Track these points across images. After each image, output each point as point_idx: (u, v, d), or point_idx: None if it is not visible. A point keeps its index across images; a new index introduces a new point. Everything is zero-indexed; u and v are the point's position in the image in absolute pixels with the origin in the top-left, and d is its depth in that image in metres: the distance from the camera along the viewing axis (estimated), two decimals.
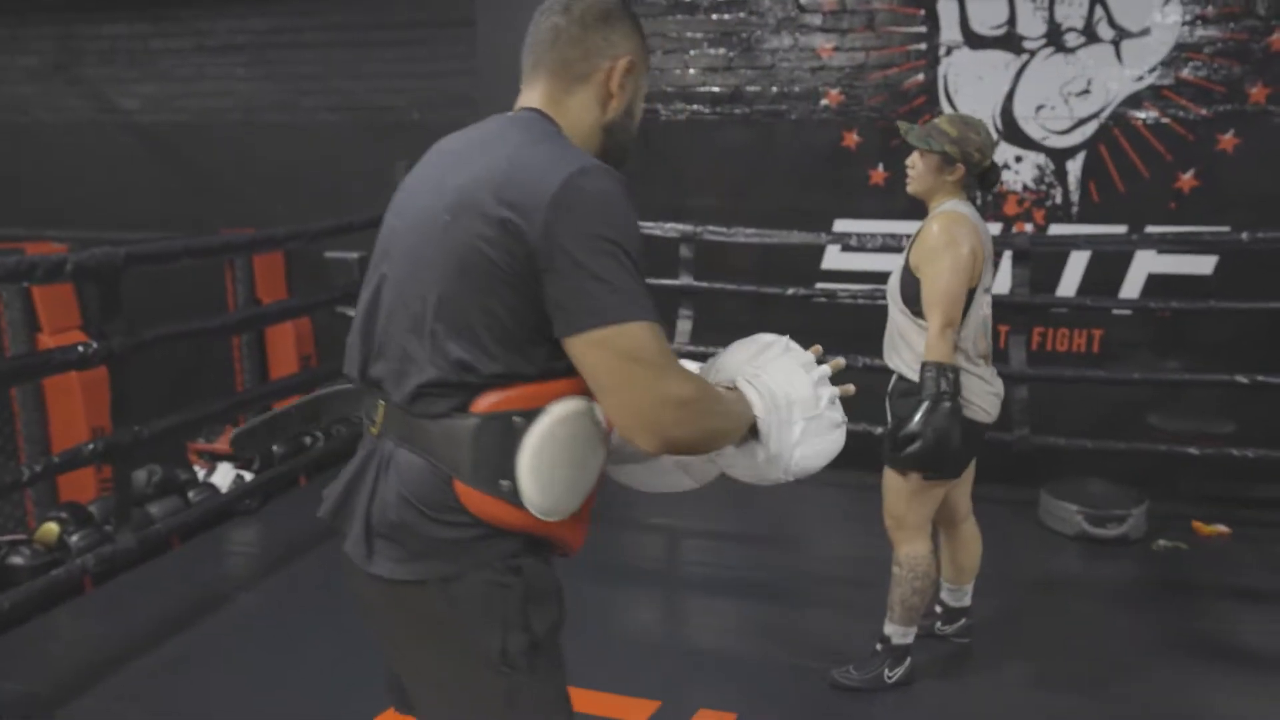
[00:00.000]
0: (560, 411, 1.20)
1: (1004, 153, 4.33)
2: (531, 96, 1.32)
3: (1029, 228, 4.35)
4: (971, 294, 2.42)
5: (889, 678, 2.66)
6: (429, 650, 1.27)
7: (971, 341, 2.50)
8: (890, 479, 2.62)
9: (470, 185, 1.18)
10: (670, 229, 4.28)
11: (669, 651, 2.98)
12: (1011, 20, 4.23)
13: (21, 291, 4.42)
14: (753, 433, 1.31)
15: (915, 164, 2.58)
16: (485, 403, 1.19)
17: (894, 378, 2.62)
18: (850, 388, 1.44)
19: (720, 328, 4.52)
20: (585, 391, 1.21)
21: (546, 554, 1.29)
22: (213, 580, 3.42)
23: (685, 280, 4.29)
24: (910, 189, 2.61)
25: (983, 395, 2.53)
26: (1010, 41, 4.24)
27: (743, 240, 4.21)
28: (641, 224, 4.40)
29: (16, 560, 3.11)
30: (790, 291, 4.24)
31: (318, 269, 5.23)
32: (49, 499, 4.09)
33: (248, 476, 4.07)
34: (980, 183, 2.60)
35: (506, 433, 1.19)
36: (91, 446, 3.03)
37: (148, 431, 3.14)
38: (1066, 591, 3.41)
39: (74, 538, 3.24)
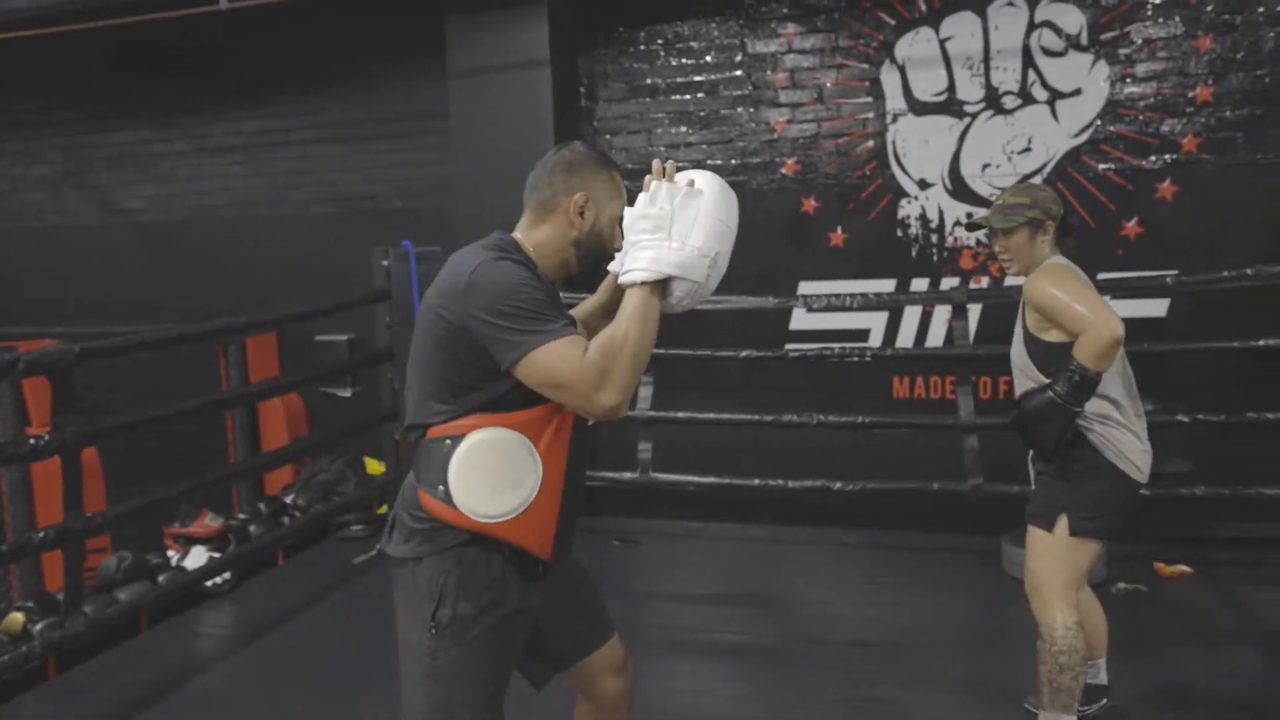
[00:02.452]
0: (473, 439, 1.59)
1: (955, 210, 4.39)
2: (520, 223, 1.75)
3: (985, 281, 4.38)
4: None
5: None
6: (400, 613, 1.68)
7: (1125, 395, 2.35)
8: (1034, 537, 2.41)
9: (432, 290, 1.64)
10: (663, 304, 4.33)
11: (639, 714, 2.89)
12: (951, 87, 4.34)
13: (14, 386, 4.44)
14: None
15: (1007, 247, 2.42)
16: (432, 432, 1.63)
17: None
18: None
19: (690, 391, 4.56)
20: (519, 423, 1.59)
21: (502, 551, 1.63)
22: (176, 663, 3.36)
23: None
24: (1014, 271, 2.44)
25: (1137, 453, 2.33)
26: (951, 106, 4.35)
27: (701, 306, 4.23)
28: None
29: None
30: (744, 354, 4.28)
31: (309, 350, 5.31)
32: (34, 586, 4.04)
33: None
34: (1063, 233, 2.47)
35: (439, 452, 1.61)
36: (42, 535, 2.96)
37: (100, 518, 3.11)
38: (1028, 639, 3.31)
39: (38, 626, 3.19)
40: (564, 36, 4.69)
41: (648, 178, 1.62)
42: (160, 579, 3.79)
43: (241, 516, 4.55)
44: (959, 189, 4.38)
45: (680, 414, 4.35)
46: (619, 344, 1.51)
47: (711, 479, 4.32)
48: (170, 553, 4.25)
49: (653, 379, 4.35)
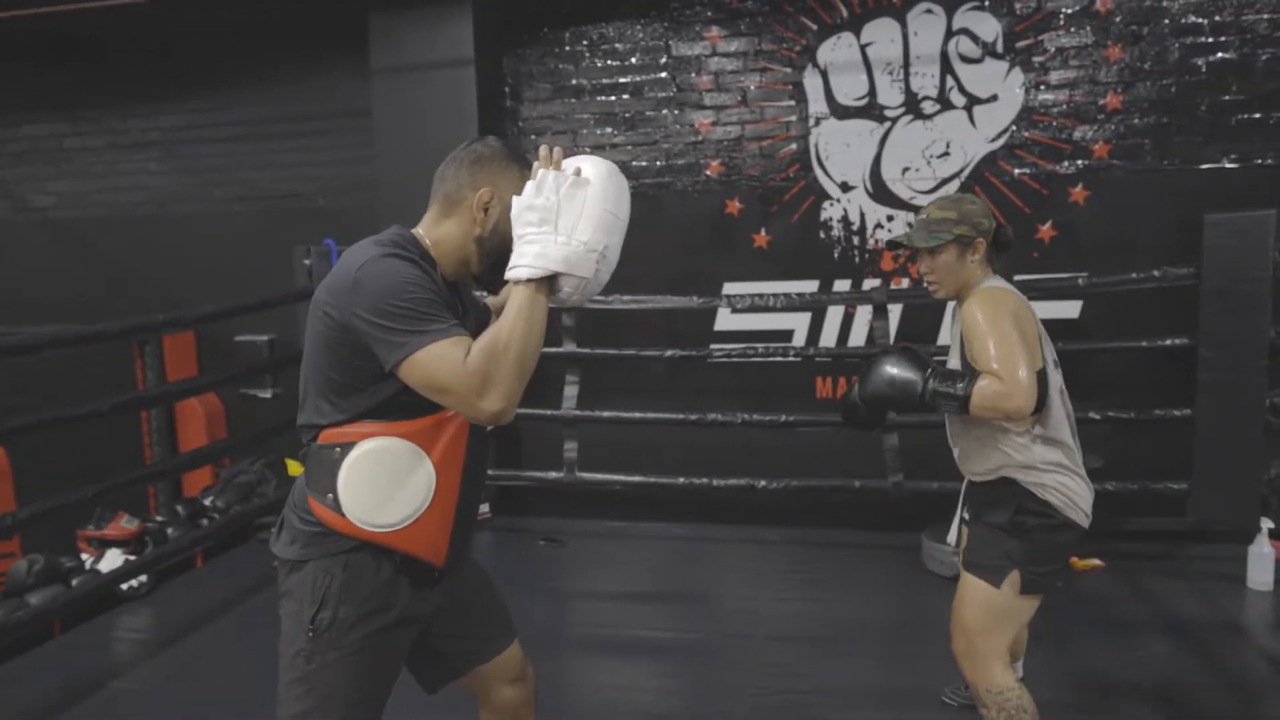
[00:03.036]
0: (363, 448, 1.54)
1: (876, 213, 4.42)
2: (425, 217, 1.66)
3: (905, 282, 4.41)
4: (1041, 373, 2.01)
5: None
6: (283, 616, 1.63)
7: (1070, 436, 2.12)
8: (974, 590, 2.12)
9: (322, 287, 1.56)
10: (551, 300, 4.27)
11: (551, 711, 2.84)
12: (872, 91, 4.37)
13: None
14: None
15: (933, 268, 2.17)
16: (322, 437, 1.57)
17: (965, 484, 2.27)
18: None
19: (615, 391, 4.52)
20: (410, 432, 1.53)
21: (393, 558, 1.58)
22: (91, 668, 3.22)
23: (569, 348, 4.27)
24: (941, 295, 2.18)
25: (1086, 498, 2.12)
26: (872, 111, 4.38)
27: (620, 306, 4.21)
28: None
29: None
30: (669, 353, 4.24)
31: (228, 351, 5.14)
32: None
33: None
34: (996, 249, 2.21)
35: (329, 460, 1.55)
36: None
37: (10, 519, 3.00)
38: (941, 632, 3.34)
39: None
40: (489, 35, 4.61)
41: (535, 164, 1.54)
42: (74, 582, 3.64)
43: (159, 519, 4.40)
44: (880, 192, 4.40)
45: (606, 413, 4.30)
46: (502, 346, 1.42)
47: (637, 478, 4.28)
48: (84, 556, 4.09)
49: (578, 378, 4.30)
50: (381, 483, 1.53)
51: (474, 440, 1.61)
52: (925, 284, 2.23)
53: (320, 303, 1.53)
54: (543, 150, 1.54)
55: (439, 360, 1.42)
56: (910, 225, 2.32)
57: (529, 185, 1.51)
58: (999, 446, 2.10)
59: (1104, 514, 4.13)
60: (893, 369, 2.11)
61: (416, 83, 4.57)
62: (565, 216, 1.47)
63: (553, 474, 4.33)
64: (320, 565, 1.56)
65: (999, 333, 1.98)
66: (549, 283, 1.49)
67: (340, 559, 1.56)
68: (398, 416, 1.52)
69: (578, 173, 1.51)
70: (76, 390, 3.92)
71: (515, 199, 1.53)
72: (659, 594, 3.85)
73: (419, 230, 1.63)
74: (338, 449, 1.53)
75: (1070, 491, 2.10)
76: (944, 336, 4.27)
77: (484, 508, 4.65)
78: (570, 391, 4.24)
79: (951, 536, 3.70)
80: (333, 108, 5.00)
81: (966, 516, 2.29)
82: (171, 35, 5.17)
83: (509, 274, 1.51)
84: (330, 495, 1.54)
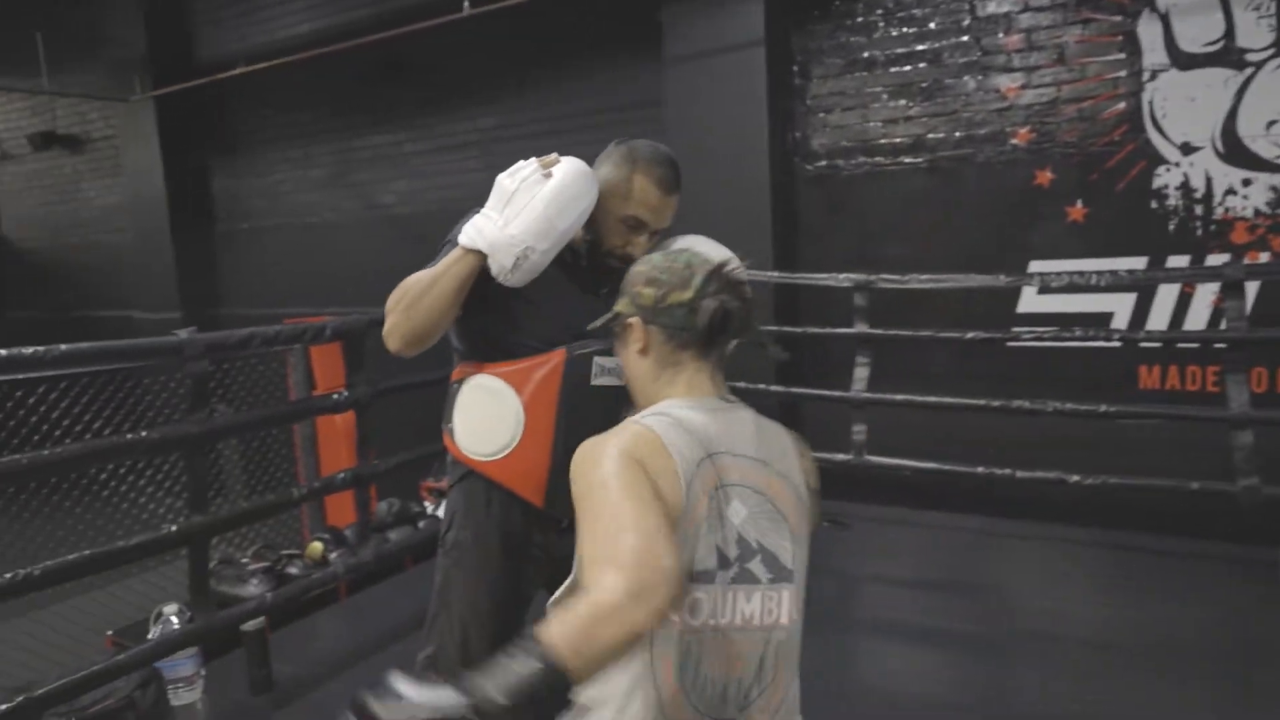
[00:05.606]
0: (470, 382, 1.67)
1: (1228, 177, 3.68)
2: None
3: (1264, 257, 3.65)
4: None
5: None
6: None
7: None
8: None
9: None
10: (844, 278, 4.02)
11: (836, 690, 2.69)
12: (1229, 33, 3.62)
13: (303, 354, 4.90)
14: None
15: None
16: (452, 376, 1.73)
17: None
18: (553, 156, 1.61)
19: (905, 374, 4.19)
20: (505, 373, 1.62)
21: (498, 490, 1.65)
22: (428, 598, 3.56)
23: (860, 328, 3.99)
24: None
25: None
26: (1229, 56, 3.63)
27: (917, 286, 3.85)
28: (816, 275, 4.12)
29: (292, 570, 3.47)
30: (970, 335, 3.81)
31: None
32: (319, 523, 4.46)
33: None
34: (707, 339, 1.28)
35: (451, 394, 1.71)
36: (341, 476, 3.31)
37: (383, 465, 3.38)
38: None
39: (333, 555, 3.52)
40: (779, 14, 4.41)
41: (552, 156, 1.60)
42: (420, 524, 4.05)
43: None
44: (1234, 152, 3.65)
45: (898, 396, 3.99)
46: (408, 286, 1.58)
47: (931, 464, 3.94)
48: (426, 503, 4.52)
49: (869, 359, 4.03)
50: (478, 415, 1.64)
51: (577, 394, 1.59)
52: None
53: None
54: (551, 157, 1.59)
55: (398, 289, 1.60)
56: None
57: (515, 166, 1.58)
58: None
59: None
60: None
61: (707, 68, 4.49)
62: (512, 206, 1.52)
63: (839, 456, 4.11)
64: (454, 491, 1.73)
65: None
66: (478, 255, 1.55)
67: (463, 486, 1.69)
68: (498, 359, 1.63)
69: (549, 174, 1.53)
70: (403, 363, 4.30)
71: (501, 175, 1.58)
72: (950, 584, 3.51)
73: None
74: (455, 385, 1.70)
75: None
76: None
77: None
78: (860, 373, 3.98)
79: None
80: (625, 100, 5.07)
81: None
82: (485, 46, 5.51)
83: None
84: (449, 425, 1.70)
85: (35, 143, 7.96)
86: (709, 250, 1.39)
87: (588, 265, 1.66)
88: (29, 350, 2.25)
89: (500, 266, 1.53)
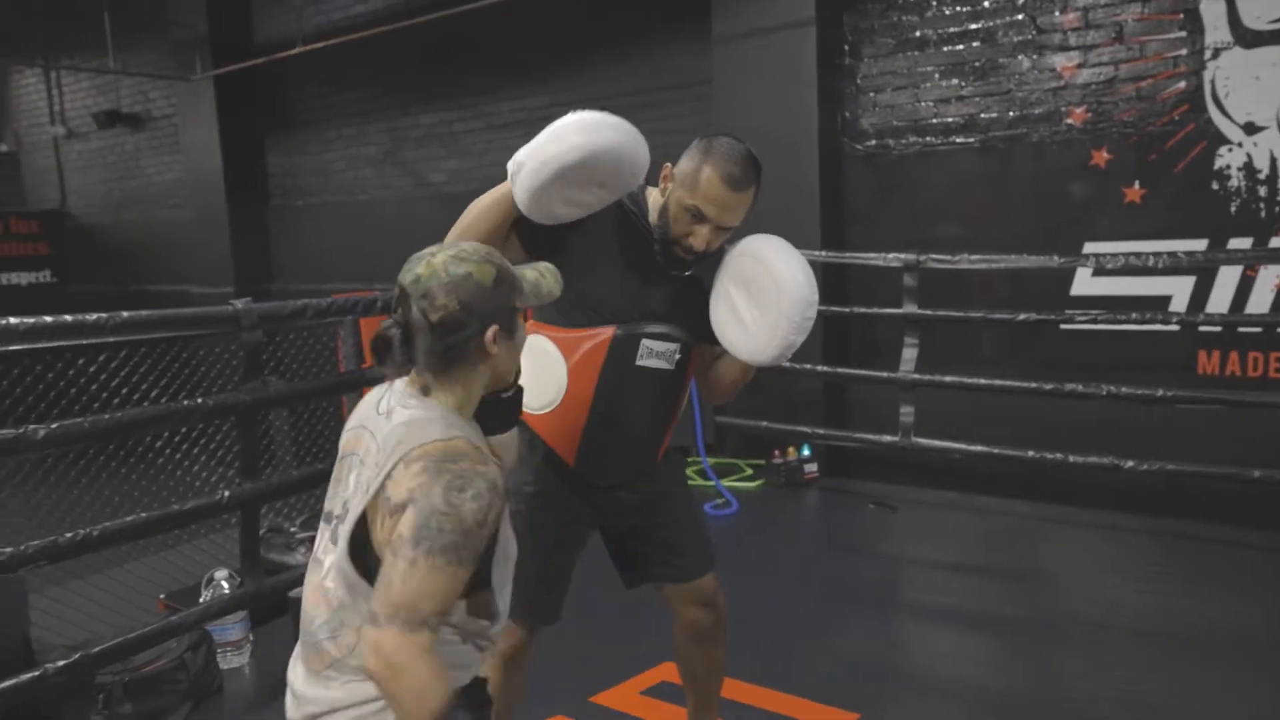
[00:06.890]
0: (531, 340, 1.66)
1: None
2: None
3: None
4: None
5: None
6: None
7: None
8: None
9: None
10: (893, 258, 3.90)
11: (881, 672, 2.63)
12: None
13: (354, 326, 4.87)
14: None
15: None
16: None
17: None
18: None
19: (954, 356, 4.07)
20: (557, 338, 1.70)
21: (541, 444, 1.73)
22: None
23: (909, 309, 3.88)
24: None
25: None
26: None
27: (967, 266, 3.73)
28: (865, 255, 4.03)
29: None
30: (1021, 317, 3.68)
31: None
32: None
33: None
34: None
35: None
36: None
37: None
38: None
39: None
40: None
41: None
42: None
43: None
44: None
45: (948, 378, 3.88)
46: (467, 209, 1.66)
47: (980, 448, 3.82)
48: None
49: (917, 340, 3.92)
50: (532, 371, 1.65)
51: (624, 368, 1.66)
52: None
53: None
54: None
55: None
56: None
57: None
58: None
59: None
60: None
61: (756, 47, 4.38)
62: (536, 138, 1.59)
63: (886, 437, 4.01)
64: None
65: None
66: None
67: (524, 435, 1.70)
68: (559, 324, 1.70)
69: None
70: None
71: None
72: (997, 569, 3.42)
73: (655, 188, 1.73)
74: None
75: None
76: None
77: (812, 467, 4.45)
78: (909, 354, 3.87)
79: None
80: (673, 80, 4.97)
81: None
82: (534, 27, 5.44)
83: None
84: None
85: (100, 121, 8.10)
86: (764, 251, 1.64)
87: (660, 250, 1.69)
88: (92, 317, 2.26)
89: (509, 175, 1.62)
